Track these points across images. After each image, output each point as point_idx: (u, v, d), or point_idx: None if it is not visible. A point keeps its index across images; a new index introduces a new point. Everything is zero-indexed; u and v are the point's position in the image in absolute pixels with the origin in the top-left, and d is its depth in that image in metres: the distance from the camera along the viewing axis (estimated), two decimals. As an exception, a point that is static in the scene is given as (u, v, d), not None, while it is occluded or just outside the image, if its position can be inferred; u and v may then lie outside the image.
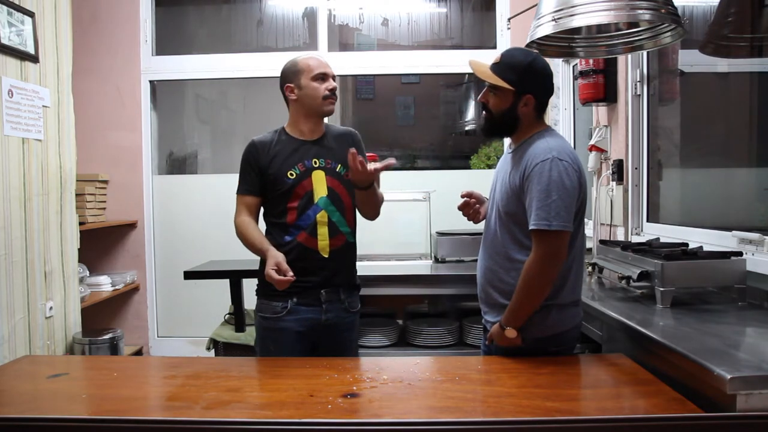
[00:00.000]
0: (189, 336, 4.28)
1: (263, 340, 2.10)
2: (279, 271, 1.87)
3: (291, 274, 1.86)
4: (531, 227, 1.66)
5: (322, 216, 2.03)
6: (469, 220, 2.03)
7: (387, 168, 1.95)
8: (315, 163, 2.06)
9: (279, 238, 2.05)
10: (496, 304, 1.81)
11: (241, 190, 2.10)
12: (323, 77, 2.07)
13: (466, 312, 3.17)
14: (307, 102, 2.08)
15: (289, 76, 2.11)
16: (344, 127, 2.24)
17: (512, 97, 1.76)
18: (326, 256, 2.03)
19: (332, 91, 2.08)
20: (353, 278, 2.16)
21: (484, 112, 1.85)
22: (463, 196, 1.99)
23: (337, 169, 2.08)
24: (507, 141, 2.09)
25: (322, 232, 2.03)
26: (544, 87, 1.79)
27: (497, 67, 1.77)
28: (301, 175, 2.04)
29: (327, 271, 2.04)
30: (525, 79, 1.74)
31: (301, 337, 2.04)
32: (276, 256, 1.91)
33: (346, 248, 2.09)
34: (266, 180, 2.06)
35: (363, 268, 2.23)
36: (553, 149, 1.69)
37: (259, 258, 2.08)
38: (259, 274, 2.10)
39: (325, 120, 2.19)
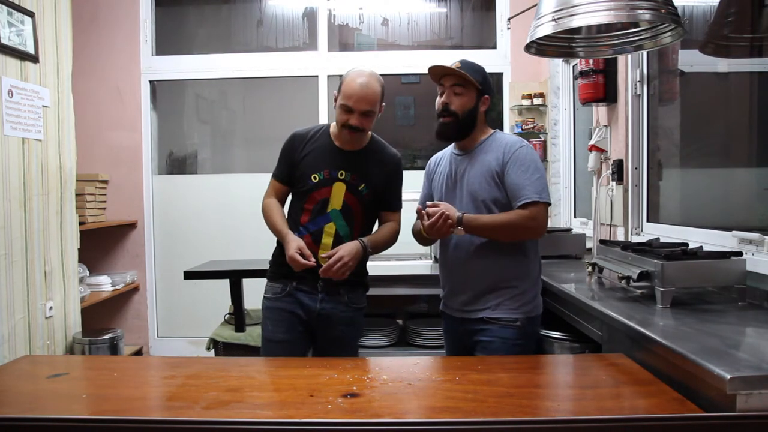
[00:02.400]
0: (189, 336, 4.28)
1: (264, 320, 2.17)
2: (302, 255, 1.94)
3: (313, 260, 1.95)
4: (526, 200, 1.85)
5: (330, 227, 2.06)
6: (438, 235, 1.92)
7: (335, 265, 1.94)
8: (341, 174, 2.06)
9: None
10: (489, 288, 1.95)
11: (275, 175, 2.17)
12: (348, 110, 2.00)
13: (466, 312, 3.16)
14: (336, 119, 2.09)
15: (339, 85, 2.07)
16: (392, 151, 2.19)
17: (476, 97, 1.94)
18: (323, 264, 2.04)
19: (351, 127, 2.00)
20: (358, 278, 2.15)
21: (443, 116, 1.95)
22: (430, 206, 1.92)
23: (360, 188, 2.07)
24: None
25: (326, 242, 2.05)
26: (493, 91, 2.02)
27: (462, 69, 1.92)
28: (323, 181, 2.06)
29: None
30: (486, 80, 1.96)
31: (298, 320, 2.10)
32: (297, 241, 1.99)
33: None
34: (294, 174, 2.11)
35: (363, 268, 2.23)
36: (520, 139, 1.97)
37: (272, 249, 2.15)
38: (272, 258, 2.18)
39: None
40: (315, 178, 2.06)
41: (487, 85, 1.98)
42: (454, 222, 1.84)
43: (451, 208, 1.87)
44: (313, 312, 2.09)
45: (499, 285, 1.96)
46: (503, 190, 1.92)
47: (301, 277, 2.07)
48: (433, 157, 2.20)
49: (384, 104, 2.09)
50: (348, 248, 1.97)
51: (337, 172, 2.07)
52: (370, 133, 2.15)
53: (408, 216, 2.21)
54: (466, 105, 1.93)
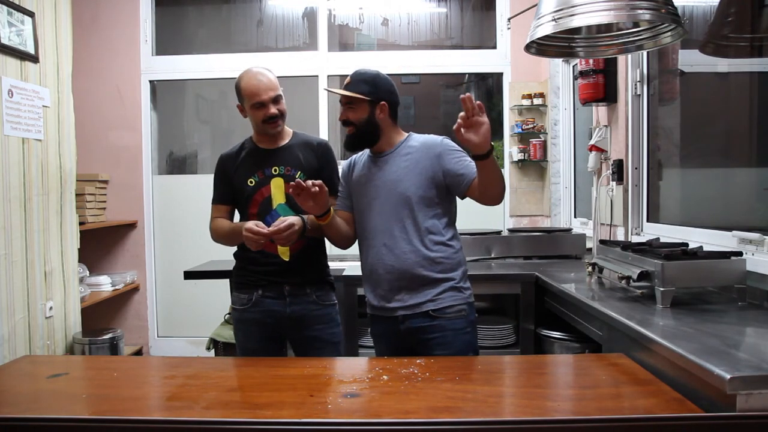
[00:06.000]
0: (189, 336, 4.28)
1: (235, 331, 2.21)
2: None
3: (266, 230, 1.92)
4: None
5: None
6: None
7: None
8: (274, 170, 2.10)
9: None
10: (429, 281, 1.97)
11: (213, 200, 2.22)
12: (260, 105, 2.06)
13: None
14: (253, 125, 2.14)
15: (238, 96, 2.13)
16: (316, 138, 2.24)
17: (368, 107, 2.00)
18: (287, 259, 2.08)
19: (271, 117, 2.07)
20: (321, 275, 2.18)
21: (347, 129, 2.03)
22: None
23: (297, 176, 2.08)
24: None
25: None
26: (393, 93, 2.06)
27: (350, 86, 2.01)
28: (260, 183, 2.10)
29: (290, 272, 2.10)
30: (377, 88, 2.01)
31: (267, 329, 2.12)
32: (252, 221, 1.99)
33: (307, 249, 2.12)
34: (233, 190, 2.15)
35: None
36: (436, 136, 2.05)
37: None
38: (233, 268, 2.21)
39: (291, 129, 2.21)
40: (251, 182, 2.11)
41: (380, 92, 2.00)
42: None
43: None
44: (283, 317, 2.11)
45: (435, 278, 1.97)
46: (434, 186, 1.98)
47: (266, 285, 2.11)
48: (348, 161, 2.19)
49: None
50: (290, 220, 1.96)
51: (270, 169, 2.10)
52: (291, 130, 2.20)
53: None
54: (360, 117, 2.00)
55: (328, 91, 2.15)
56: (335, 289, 2.24)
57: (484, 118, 1.71)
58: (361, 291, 2.65)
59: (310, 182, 1.87)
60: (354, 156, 2.20)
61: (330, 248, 2.23)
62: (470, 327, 2.03)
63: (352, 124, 2.02)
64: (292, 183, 1.90)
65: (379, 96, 2.00)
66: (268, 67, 2.13)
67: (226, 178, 2.18)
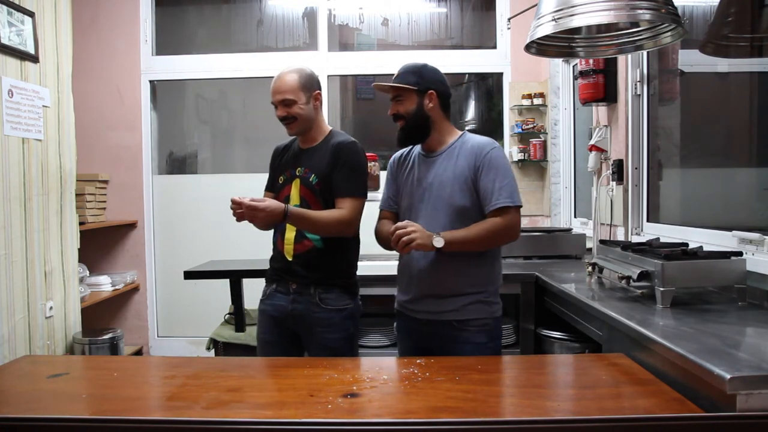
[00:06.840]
0: (189, 336, 4.28)
1: (256, 321, 2.31)
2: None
3: (247, 201, 1.93)
4: (497, 206, 1.89)
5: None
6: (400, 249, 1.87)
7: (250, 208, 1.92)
8: (298, 171, 2.16)
9: (273, 236, 2.23)
10: (457, 291, 1.95)
11: (266, 187, 2.30)
12: (274, 106, 2.14)
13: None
14: None
15: None
16: (344, 138, 2.18)
17: (417, 97, 1.99)
18: (290, 259, 2.14)
19: (281, 119, 2.12)
20: (332, 279, 2.13)
21: (397, 122, 2.03)
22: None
23: (310, 179, 2.12)
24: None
25: (289, 237, 2.14)
26: (442, 83, 2.02)
27: (396, 79, 2.02)
28: (286, 181, 2.18)
29: (293, 271, 2.14)
30: (423, 77, 1.99)
31: (276, 322, 2.18)
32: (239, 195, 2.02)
33: (313, 253, 2.10)
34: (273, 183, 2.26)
35: (363, 268, 2.22)
36: (491, 141, 1.99)
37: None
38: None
39: (329, 127, 2.24)
40: (281, 179, 2.20)
41: (427, 81, 1.99)
42: (428, 246, 1.84)
43: (423, 232, 1.84)
44: (286, 312, 2.15)
45: (467, 290, 1.95)
46: (474, 196, 1.93)
47: (278, 280, 2.19)
48: (396, 155, 2.18)
49: (319, 91, 2.16)
50: (268, 203, 1.96)
51: (295, 170, 2.16)
52: (330, 129, 2.23)
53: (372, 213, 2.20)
54: (409, 108, 1.99)
55: (375, 85, 2.04)
56: (354, 293, 2.19)
57: (410, 237, 1.81)
58: (363, 291, 2.65)
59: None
60: (401, 151, 2.17)
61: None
62: (492, 342, 1.99)
63: (402, 117, 2.01)
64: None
65: (427, 85, 1.98)
66: (305, 65, 2.17)
67: (271, 169, 2.29)
